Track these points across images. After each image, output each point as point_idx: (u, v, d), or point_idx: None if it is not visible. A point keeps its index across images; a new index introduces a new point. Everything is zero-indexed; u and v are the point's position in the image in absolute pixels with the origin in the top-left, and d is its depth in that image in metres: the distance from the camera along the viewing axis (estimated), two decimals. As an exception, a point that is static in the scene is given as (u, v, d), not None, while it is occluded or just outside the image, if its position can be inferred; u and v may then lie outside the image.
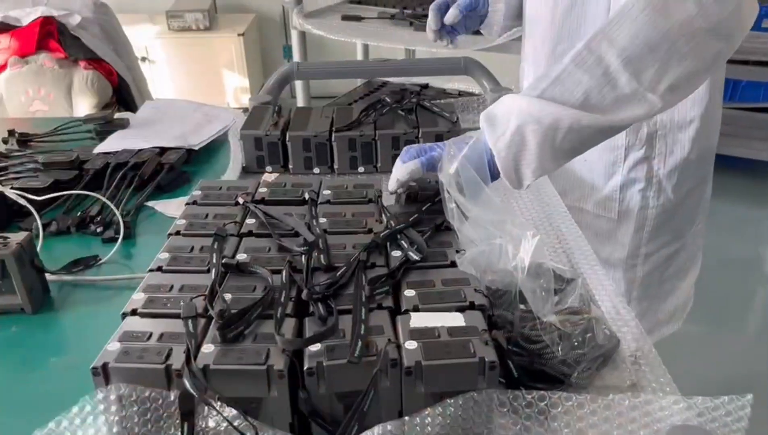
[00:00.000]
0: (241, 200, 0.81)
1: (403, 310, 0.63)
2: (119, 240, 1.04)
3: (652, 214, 1.17)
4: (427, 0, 2.45)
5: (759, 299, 2.64)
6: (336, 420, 0.57)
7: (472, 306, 0.62)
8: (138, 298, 0.64)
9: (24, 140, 1.46)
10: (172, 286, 0.65)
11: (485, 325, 0.60)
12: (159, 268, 0.69)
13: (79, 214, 1.12)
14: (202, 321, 0.61)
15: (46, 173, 1.24)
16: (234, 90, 3.70)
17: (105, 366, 0.55)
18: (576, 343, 0.69)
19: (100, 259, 1.00)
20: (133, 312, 0.62)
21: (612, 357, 0.73)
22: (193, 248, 0.72)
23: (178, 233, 0.76)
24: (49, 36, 2.22)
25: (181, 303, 0.62)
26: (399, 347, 0.57)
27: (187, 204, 0.83)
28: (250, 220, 0.78)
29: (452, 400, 0.55)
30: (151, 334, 0.59)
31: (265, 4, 4.01)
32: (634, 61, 0.74)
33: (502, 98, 0.78)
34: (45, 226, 1.05)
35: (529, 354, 0.68)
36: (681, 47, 0.74)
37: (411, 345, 0.57)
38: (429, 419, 0.55)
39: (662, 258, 1.22)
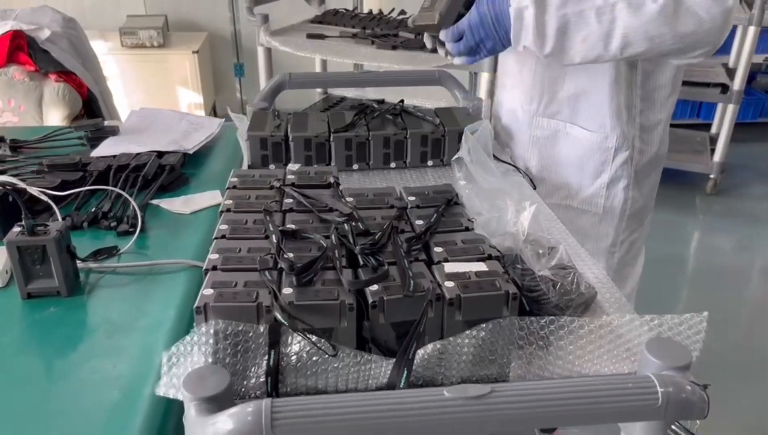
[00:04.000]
0: (277, 184, 0.94)
1: (435, 261, 0.78)
2: (137, 231, 1.14)
3: (629, 205, 1.35)
4: (384, 21, 2.65)
5: (684, 294, 2.92)
6: (389, 346, 0.72)
7: (490, 257, 0.78)
8: (214, 257, 0.77)
9: (15, 146, 1.53)
10: (240, 249, 0.78)
11: (504, 270, 0.76)
12: (223, 236, 0.82)
13: (93, 209, 1.21)
14: (274, 273, 0.74)
15: (52, 174, 1.33)
16: (188, 106, 3.77)
17: (206, 306, 0.68)
18: (565, 291, 0.86)
19: (120, 250, 1.10)
20: (214, 268, 0.75)
21: (591, 305, 0.90)
22: (246, 221, 0.85)
23: (229, 211, 0.89)
24: (19, 49, 2.27)
25: (255, 259, 0.75)
26: (440, 286, 0.72)
27: (228, 188, 0.96)
28: (287, 200, 0.92)
29: (483, 325, 0.70)
30: (236, 283, 0.71)
31: (217, 24, 4.11)
32: (629, 45, 1.08)
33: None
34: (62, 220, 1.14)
35: (528, 301, 0.85)
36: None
37: (449, 284, 0.72)
38: (467, 340, 0.70)
39: (630, 244, 1.41)
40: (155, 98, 3.69)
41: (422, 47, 2.27)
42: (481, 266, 0.75)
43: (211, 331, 0.67)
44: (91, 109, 2.43)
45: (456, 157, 0.89)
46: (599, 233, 1.39)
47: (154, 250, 1.13)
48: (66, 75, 2.32)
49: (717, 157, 3.53)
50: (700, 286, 2.96)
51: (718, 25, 1.06)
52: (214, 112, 4.14)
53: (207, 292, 0.70)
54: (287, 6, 2.83)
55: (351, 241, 0.80)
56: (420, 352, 0.69)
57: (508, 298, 0.71)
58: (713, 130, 3.91)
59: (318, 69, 2.91)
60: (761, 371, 2.38)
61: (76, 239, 1.08)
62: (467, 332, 0.70)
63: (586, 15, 1.07)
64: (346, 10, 2.83)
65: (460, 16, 1.19)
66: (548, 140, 1.37)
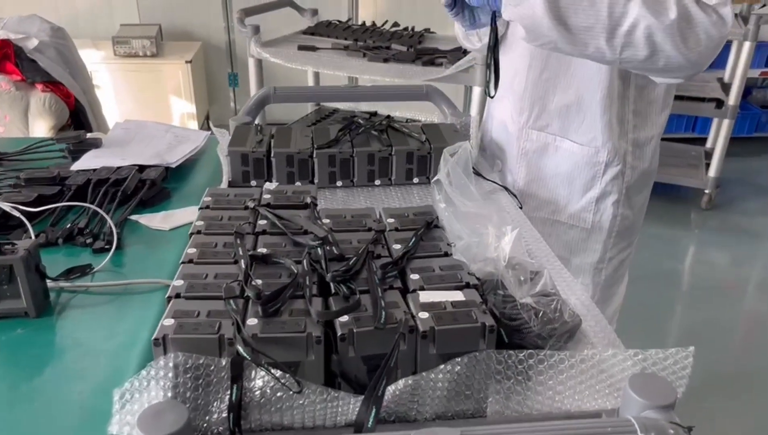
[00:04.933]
0: (251, 204, 0.91)
1: (411, 290, 0.74)
2: (112, 249, 1.10)
3: (618, 221, 1.33)
4: (377, 33, 2.63)
5: (678, 309, 2.89)
6: (359, 381, 0.68)
7: (467, 285, 0.75)
8: (178, 284, 0.73)
9: (-5, 159, 1.49)
10: (206, 275, 0.75)
11: (481, 299, 0.72)
12: (190, 261, 0.78)
13: (68, 225, 1.17)
14: (240, 302, 0.70)
15: (29, 188, 1.29)
16: (181, 116, 3.74)
17: (165, 338, 0.64)
18: (548, 319, 0.82)
19: (94, 268, 1.06)
20: (177, 295, 0.71)
21: (575, 334, 0.87)
22: (216, 244, 0.82)
23: (199, 232, 0.85)
24: (6, 58, 2.24)
25: (222, 286, 0.71)
26: (413, 317, 0.69)
27: (201, 208, 0.92)
28: (261, 222, 0.88)
29: (459, 359, 0.67)
30: (199, 312, 0.68)
31: (211, 33, 4.09)
32: (630, 45, 1.04)
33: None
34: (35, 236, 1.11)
35: (509, 330, 0.81)
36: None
37: (424, 315, 0.69)
38: (441, 375, 0.66)
39: (618, 262, 1.38)
40: (148, 108, 3.66)
41: (413, 60, 2.26)
42: (458, 295, 0.72)
43: (170, 364, 0.63)
44: (78, 120, 2.39)
45: (435, 179, 0.86)
46: (587, 248, 1.37)
47: (130, 268, 1.10)
48: (53, 85, 2.29)
49: (712, 171, 3.51)
50: (694, 301, 2.93)
51: (711, 48, 1.04)
52: (207, 122, 4.12)
53: (167, 322, 0.66)
54: (280, 17, 2.80)
55: (323, 266, 0.76)
56: (392, 387, 0.65)
57: (484, 330, 0.68)
58: (708, 144, 3.89)
59: (311, 81, 2.89)
60: (757, 386, 2.35)
61: (50, 256, 1.04)
62: (442, 367, 0.66)
63: (598, 5, 1.04)
64: (339, 21, 2.80)
65: None
66: (537, 153, 1.35)
